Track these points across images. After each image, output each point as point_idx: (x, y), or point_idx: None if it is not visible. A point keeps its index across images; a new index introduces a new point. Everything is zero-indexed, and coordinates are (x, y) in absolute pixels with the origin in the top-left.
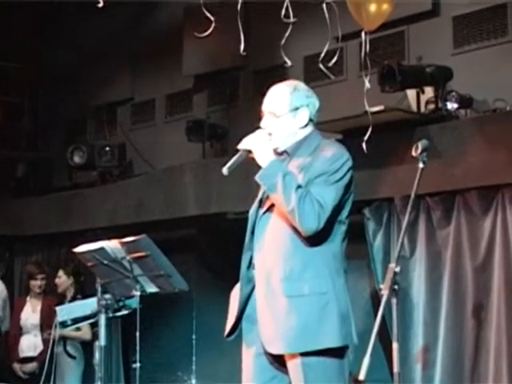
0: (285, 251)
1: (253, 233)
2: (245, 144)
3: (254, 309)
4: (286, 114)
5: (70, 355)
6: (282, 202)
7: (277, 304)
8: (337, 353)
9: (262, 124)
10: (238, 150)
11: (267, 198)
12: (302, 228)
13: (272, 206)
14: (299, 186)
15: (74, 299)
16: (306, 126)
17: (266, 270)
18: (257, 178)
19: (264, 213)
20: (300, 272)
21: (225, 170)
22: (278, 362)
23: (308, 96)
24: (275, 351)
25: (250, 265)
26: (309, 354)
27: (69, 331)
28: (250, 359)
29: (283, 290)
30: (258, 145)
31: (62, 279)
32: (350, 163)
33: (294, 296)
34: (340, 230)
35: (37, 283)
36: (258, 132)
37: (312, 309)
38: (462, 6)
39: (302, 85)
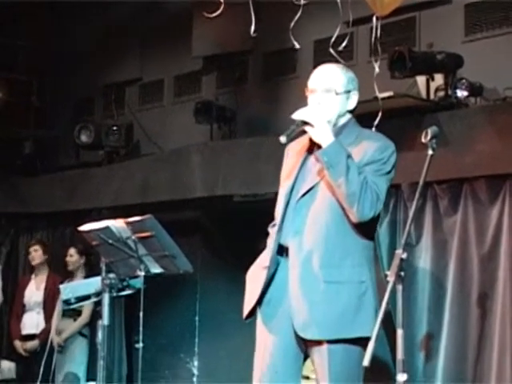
0: (327, 236)
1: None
2: (303, 115)
3: (276, 292)
4: (342, 93)
5: (82, 334)
6: (343, 183)
7: (314, 289)
8: (362, 342)
9: (315, 99)
10: (293, 120)
11: (302, 182)
12: (358, 213)
13: (310, 190)
14: (360, 172)
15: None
16: (350, 111)
17: (303, 254)
18: (319, 153)
19: (302, 196)
20: (341, 259)
21: (282, 138)
22: (300, 342)
23: (357, 82)
24: (309, 336)
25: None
26: (336, 341)
27: (67, 332)
28: (272, 342)
29: (323, 275)
30: (319, 120)
31: (74, 258)
32: (395, 155)
33: (334, 282)
34: (375, 222)
35: (30, 256)
36: (313, 106)
37: (350, 296)
38: None
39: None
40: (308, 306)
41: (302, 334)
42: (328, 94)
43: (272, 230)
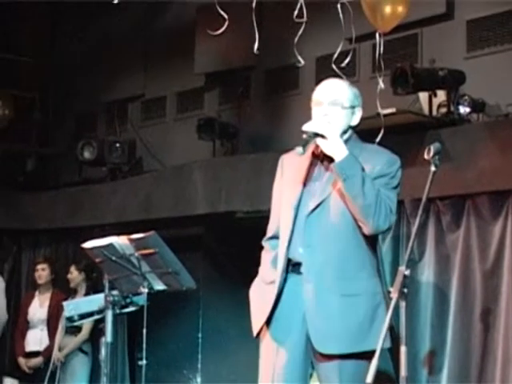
0: (341, 249)
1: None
2: (315, 127)
3: (286, 308)
4: (348, 107)
5: (82, 351)
6: (359, 195)
7: (330, 302)
8: (370, 356)
9: (321, 111)
10: (303, 132)
11: (309, 196)
12: (373, 225)
13: (320, 204)
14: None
15: (87, 295)
16: (354, 127)
17: (317, 268)
18: (334, 165)
19: (313, 210)
20: (356, 271)
21: (299, 149)
22: (309, 358)
23: (360, 99)
24: (328, 351)
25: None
26: (347, 356)
27: (67, 349)
28: (281, 357)
29: (339, 288)
30: (331, 132)
31: (74, 275)
32: (401, 170)
33: (350, 295)
34: (378, 235)
35: (36, 274)
36: (321, 119)
37: (367, 309)
38: (477, 9)
39: None
40: (325, 320)
41: (320, 349)
42: (335, 108)
43: (268, 244)
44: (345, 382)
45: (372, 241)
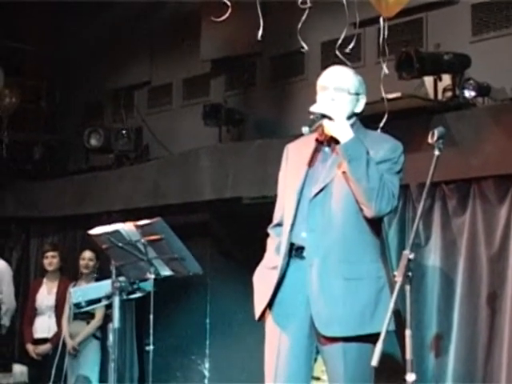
0: (345, 233)
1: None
2: (322, 109)
3: (289, 292)
4: (353, 94)
5: (95, 337)
6: (363, 177)
7: (334, 286)
8: (374, 339)
9: (328, 96)
10: (310, 112)
11: (312, 181)
12: (376, 208)
13: (323, 189)
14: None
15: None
16: (358, 114)
17: (321, 252)
18: (340, 146)
19: (315, 195)
20: (360, 255)
21: (305, 130)
22: (313, 342)
23: (364, 87)
24: (331, 334)
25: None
26: (351, 339)
27: (80, 336)
28: (284, 342)
29: (342, 272)
30: (338, 114)
31: (93, 262)
32: (404, 156)
33: (354, 279)
34: (382, 220)
35: (46, 261)
36: (329, 102)
37: (370, 292)
38: None
39: None
40: (329, 303)
41: (324, 332)
42: (341, 93)
43: (273, 231)
44: (349, 365)
45: (375, 225)
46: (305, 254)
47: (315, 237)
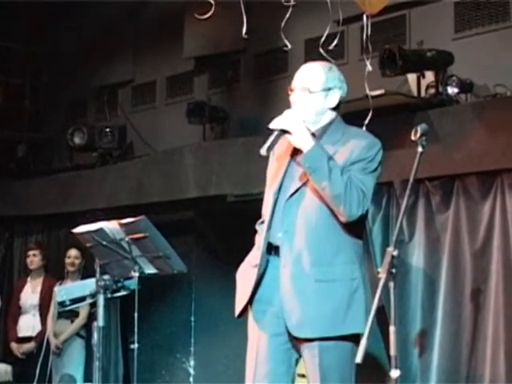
0: (317, 235)
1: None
2: (279, 124)
3: (267, 291)
4: (319, 91)
5: (79, 335)
6: (327, 186)
7: (306, 288)
8: (353, 338)
9: (292, 98)
10: (270, 130)
11: (290, 181)
12: (345, 213)
13: (298, 189)
14: (342, 172)
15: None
16: (334, 109)
17: (294, 253)
18: (301, 159)
19: (291, 196)
20: (332, 257)
21: (263, 151)
22: (292, 340)
23: (341, 80)
24: (303, 335)
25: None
26: (327, 338)
27: (64, 334)
28: (262, 340)
29: (314, 274)
30: (296, 126)
31: (79, 260)
32: (381, 153)
33: (325, 281)
34: (363, 220)
35: (28, 259)
36: (289, 112)
37: (343, 294)
38: None
39: (335, 67)
40: (300, 305)
41: (295, 333)
42: (303, 93)
43: (260, 228)
44: (325, 364)
45: (353, 226)
46: (280, 253)
47: (289, 238)
